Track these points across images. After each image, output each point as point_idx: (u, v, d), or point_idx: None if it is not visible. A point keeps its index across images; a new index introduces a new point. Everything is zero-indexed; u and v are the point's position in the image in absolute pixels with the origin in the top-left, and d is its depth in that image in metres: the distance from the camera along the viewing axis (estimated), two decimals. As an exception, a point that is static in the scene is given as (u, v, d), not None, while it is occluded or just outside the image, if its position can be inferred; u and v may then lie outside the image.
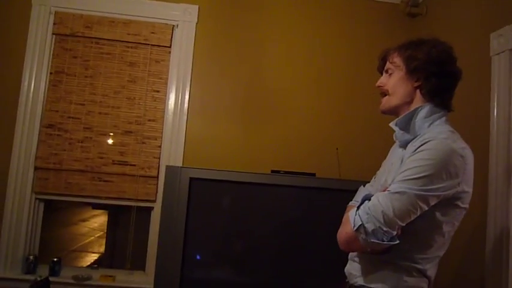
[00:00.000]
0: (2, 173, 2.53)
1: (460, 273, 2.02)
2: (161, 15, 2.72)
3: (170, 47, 2.72)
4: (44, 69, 2.62)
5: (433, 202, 1.17)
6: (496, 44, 1.95)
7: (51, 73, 2.64)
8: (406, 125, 1.31)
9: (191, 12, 2.73)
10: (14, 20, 2.63)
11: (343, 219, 1.28)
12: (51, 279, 2.39)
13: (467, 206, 1.24)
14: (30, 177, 2.55)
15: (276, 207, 2.28)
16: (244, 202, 2.29)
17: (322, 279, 2.17)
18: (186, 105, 2.68)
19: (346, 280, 1.38)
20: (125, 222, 2.75)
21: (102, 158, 2.61)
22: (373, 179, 1.51)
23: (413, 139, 1.28)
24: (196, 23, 2.74)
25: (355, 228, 1.17)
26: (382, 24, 2.81)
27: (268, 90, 2.74)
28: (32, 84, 2.59)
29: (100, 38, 2.68)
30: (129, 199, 2.61)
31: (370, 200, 1.21)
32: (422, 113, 1.29)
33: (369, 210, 1.17)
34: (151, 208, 2.64)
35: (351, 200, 1.49)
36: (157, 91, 2.70)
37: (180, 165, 2.56)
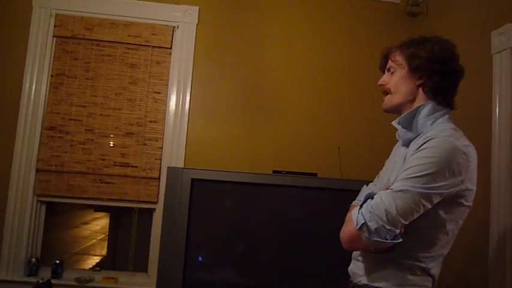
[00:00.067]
0: (4, 175, 2.53)
1: (463, 272, 2.01)
2: (162, 17, 2.72)
3: (171, 48, 2.72)
4: (45, 71, 2.63)
5: (436, 200, 1.16)
6: (497, 42, 1.95)
7: (52, 75, 2.65)
8: (409, 124, 1.31)
9: (191, 14, 2.74)
10: (14, 22, 2.64)
11: (346, 218, 1.28)
12: (53, 281, 2.38)
13: (471, 204, 1.23)
14: (31, 180, 2.56)
15: (277, 208, 2.28)
16: (246, 203, 2.29)
17: (325, 279, 2.16)
18: (187, 106, 2.68)
19: (350, 279, 1.37)
20: (127, 225, 2.75)
21: (103, 159, 2.61)
22: (376, 178, 1.50)
23: (416, 137, 1.28)
24: (197, 24, 2.74)
25: (358, 226, 1.16)
26: (383, 23, 2.81)
27: (269, 91, 2.74)
28: (33, 87, 2.60)
29: (101, 40, 2.69)
30: (130, 201, 2.61)
31: (373, 198, 1.20)
32: (425, 111, 1.28)
33: (371, 208, 1.17)
34: (153, 210, 2.64)
35: (353, 200, 1.48)
36: (158, 92, 2.70)
37: (182, 166, 2.56)
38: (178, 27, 2.74)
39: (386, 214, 1.14)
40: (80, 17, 2.68)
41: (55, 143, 2.60)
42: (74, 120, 2.63)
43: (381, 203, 1.16)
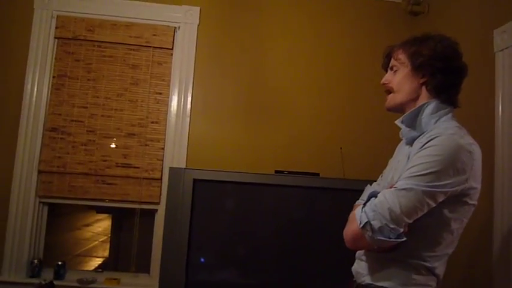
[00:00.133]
0: (6, 177, 2.53)
1: (467, 270, 2.00)
2: (163, 18, 2.73)
3: (172, 49, 2.72)
4: (46, 72, 2.63)
5: (440, 199, 1.16)
6: (499, 40, 1.94)
7: (53, 77, 2.65)
8: (412, 122, 1.30)
9: (193, 14, 2.74)
10: (16, 24, 2.64)
11: (349, 217, 1.27)
12: (55, 282, 2.39)
13: (475, 202, 1.22)
14: (34, 181, 2.56)
15: (280, 208, 2.27)
16: (248, 203, 2.29)
17: (328, 280, 2.15)
18: (188, 106, 2.68)
19: (354, 279, 1.36)
20: (129, 226, 2.75)
21: (105, 160, 2.61)
22: (379, 177, 1.50)
23: (419, 136, 1.27)
24: (198, 25, 2.74)
25: (362, 225, 1.15)
26: (384, 22, 2.81)
27: (271, 91, 2.73)
28: (35, 88, 2.60)
29: (102, 41, 2.69)
30: (132, 201, 2.61)
31: (376, 197, 1.19)
32: (429, 109, 1.28)
33: (375, 207, 1.16)
34: (155, 211, 2.64)
35: (356, 200, 1.47)
36: (160, 93, 2.70)
37: (184, 166, 2.55)
38: (179, 27, 2.74)
39: (390, 213, 1.13)
40: (81, 18, 2.69)
41: (57, 144, 2.60)
42: (75, 121, 2.63)
43: (385, 201, 1.15)
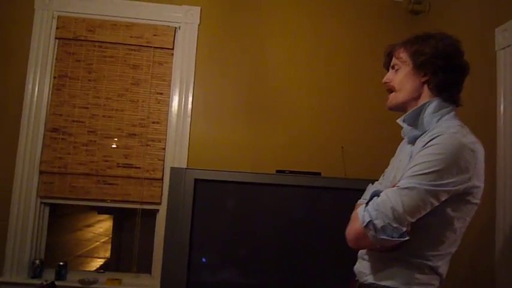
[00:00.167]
0: (7, 177, 2.53)
1: (470, 269, 2.00)
2: (163, 18, 2.72)
3: (173, 49, 2.72)
4: (47, 73, 2.63)
5: (443, 197, 1.15)
6: (501, 38, 1.93)
7: (54, 77, 2.65)
8: (414, 121, 1.30)
9: (193, 14, 2.73)
10: (17, 24, 2.64)
11: (352, 216, 1.26)
12: (57, 283, 2.38)
13: (478, 201, 1.22)
14: (35, 182, 2.56)
15: (281, 208, 2.27)
16: (249, 202, 2.28)
17: (330, 279, 2.15)
18: (189, 106, 2.68)
19: (356, 278, 1.36)
20: (130, 227, 2.75)
21: (106, 161, 2.61)
22: (381, 177, 1.49)
23: (421, 135, 1.27)
24: (199, 25, 2.74)
25: (364, 224, 1.15)
26: (385, 21, 2.81)
27: (272, 90, 2.73)
28: (36, 89, 2.60)
29: (103, 42, 2.69)
30: (134, 202, 2.61)
31: (379, 196, 1.19)
32: (431, 108, 1.27)
33: (377, 206, 1.15)
34: (156, 211, 2.63)
35: (357, 199, 1.47)
36: (161, 93, 2.70)
37: (185, 166, 2.55)
38: (180, 27, 2.73)
39: (392, 212, 1.13)
40: (81, 19, 2.69)
41: (58, 144, 2.60)
42: (76, 121, 2.63)
43: (387, 200, 1.15)
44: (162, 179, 2.62)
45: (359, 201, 1.43)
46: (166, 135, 2.66)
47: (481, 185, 1.21)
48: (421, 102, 1.30)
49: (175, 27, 2.74)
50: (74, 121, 2.63)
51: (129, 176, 2.61)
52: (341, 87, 2.76)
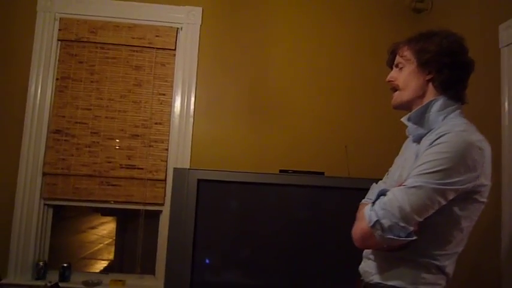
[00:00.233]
0: (11, 179, 2.54)
1: (475, 268, 1.98)
2: (165, 18, 2.72)
3: (175, 49, 2.72)
4: (50, 75, 2.64)
5: (450, 196, 1.14)
6: (505, 35, 1.92)
7: (57, 79, 2.65)
8: (420, 119, 1.28)
9: (195, 15, 2.73)
10: (19, 27, 2.65)
11: (358, 216, 1.25)
12: (61, 284, 2.38)
13: (485, 200, 1.21)
14: (38, 183, 2.56)
15: (285, 207, 2.26)
16: (253, 203, 2.27)
17: (335, 279, 2.14)
18: (192, 107, 2.68)
19: (361, 278, 1.35)
20: (134, 228, 2.74)
21: (109, 162, 2.61)
22: (385, 176, 1.48)
23: (427, 133, 1.26)
24: (200, 25, 2.74)
25: (371, 224, 1.14)
26: (387, 20, 2.79)
27: (274, 90, 2.72)
28: (39, 90, 2.61)
29: (105, 43, 2.69)
30: (137, 203, 2.60)
31: (385, 195, 1.18)
32: (436, 106, 1.26)
33: (384, 205, 1.14)
34: (160, 212, 2.63)
35: (362, 199, 1.46)
36: (163, 94, 2.70)
37: (188, 167, 2.55)
38: (181, 28, 2.73)
39: (400, 211, 1.12)
40: (84, 21, 2.69)
41: (61, 146, 2.60)
42: (79, 123, 2.63)
43: (394, 199, 1.14)
44: (165, 179, 2.62)
45: (363, 201, 1.42)
46: (169, 136, 2.66)
47: (488, 183, 1.20)
48: (426, 100, 1.29)
49: (177, 28, 2.73)
50: (76, 122, 2.63)
51: (132, 177, 2.61)
52: (344, 86, 2.75)
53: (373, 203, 1.18)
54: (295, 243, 2.22)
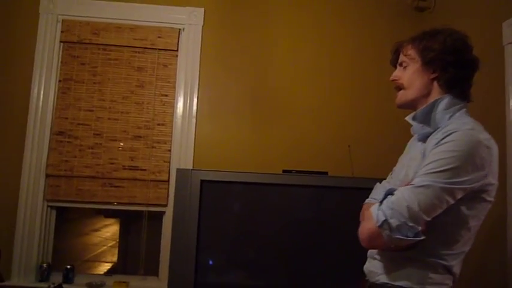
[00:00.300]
0: (14, 181, 2.54)
1: (481, 267, 1.97)
2: (167, 19, 2.72)
3: (177, 50, 2.72)
4: (52, 76, 2.64)
5: (459, 195, 1.13)
6: (508, 32, 1.91)
7: (59, 80, 2.66)
8: (425, 118, 1.27)
9: (197, 15, 2.73)
10: (22, 28, 2.66)
11: (365, 215, 1.24)
12: (64, 286, 2.37)
13: (492, 199, 1.19)
14: (41, 185, 2.56)
15: (288, 208, 2.26)
16: (256, 203, 2.27)
17: (339, 279, 2.13)
18: (194, 108, 2.68)
19: (366, 278, 1.33)
20: (137, 230, 2.74)
21: (112, 163, 2.61)
22: (389, 175, 1.47)
23: (433, 132, 1.25)
24: (203, 26, 2.74)
25: (379, 224, 1.12)
26: (389, 19, 2.78)
27: (277, 90, 2.72)
28: (41, 92, 2.61)
29: (107, 44, 2.69)
30: (140, 204, 2.60)
31: (393, 194, 1.16)
32: (442, 104, 1.25)
33: (392, 204, 1.13)
34: (163, 213, 2.63)
35: (365, 198, 1.45)
36: (166, 95, 2.69)
37: (191, 168, 2.54)
38: (184, 29, 2.73)
39: (408, 210, 1.10)
40: (86, 22, 2.69)
41: (64, 147, 2.61)
42: (82, 124, 2.63)
43: (402, 198, 1.12)
44: (168, 180, 2.61)
45: (367, 201, 1.41)
46: (171, 137, 2.66)
47: (496, 182, 1.19)
48: (431, 99, 1.28)
49: (179, 29, 2.73)
50: (79, 124, 2.63)
51: (135, 178, 2.61)
52: (346, 86, 2.74)
53: (381, 202, 1.17)
54: (298, 244, 2.21)
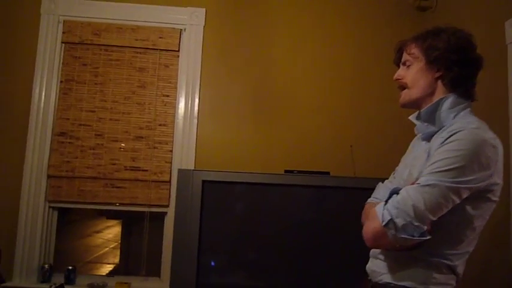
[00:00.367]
0: (16, 182, 2.54)
1: (485, 266, 1.96)
2: (168, 20, 2.72)
3: (178, 51, 2.72)
4: (54, 77, 2.64)
5: (465, 195, 1.12)
6: (511, 32, 1.89)
7: (61, 81, 2.66)
8: (430, 117, 1.27)
9: (198, 16, 2.73)
10: (23, 29, 2.66)
11: (370, 215, 1.22)
12: (66, 287, 2.37)
13: (497, 199, 1.19)
14: (43, 186, 2.56)
15: (290, 208, 2.25)
16: (258, 203, 2.26)
17: (341, 279, 2.12)
18: (196, 108, 2.67)
19: (369, 278, 1.33)
20: (139, 231, 2.74)
21: (114, 164, 2.61)
22: (392, 175, 1.46)
23: (438, 131, 1.24)
24: (204, 26, 2.74)
25: (384, 223, 1.11)
26: (391, 18, 2.78)
27: (278, 90, 2.71)
28: (43, 93, 2.61)
29: (109, 45, 2.69)
30: (142, 205, 2.60)
31: (398, 194, 1.16)
32: (447, 103, 1.24)
33: (398, 204, 1.12)
34: (164, 214, 2.62)
35: (367, 198, 1.44)
36: (167, 95, 2.69)
37: (192, 168, 2.53)
38: (185, 29, 2.73)
39: (414, 209, 1.09)
40: (87, 23, 2.69)
41: (65, 148, 2.60)
42: (83, 125, 2.63)
43: (408, 198, 1.11)
44: (169, 181, 2.61)
45: (369, 200, 1.40)
46: (173, 138, 2.65)
47: (501, 182, 1.18)
48: (435, 98, 1.27)
49: (181, 29, 2.73)
50: (81, 125, 2.63)
51: (136, 179, 2.60)
52: (348, 86, 2.73)
53: (386, 201, 1.16)
54: (300, 244, 2.20)
